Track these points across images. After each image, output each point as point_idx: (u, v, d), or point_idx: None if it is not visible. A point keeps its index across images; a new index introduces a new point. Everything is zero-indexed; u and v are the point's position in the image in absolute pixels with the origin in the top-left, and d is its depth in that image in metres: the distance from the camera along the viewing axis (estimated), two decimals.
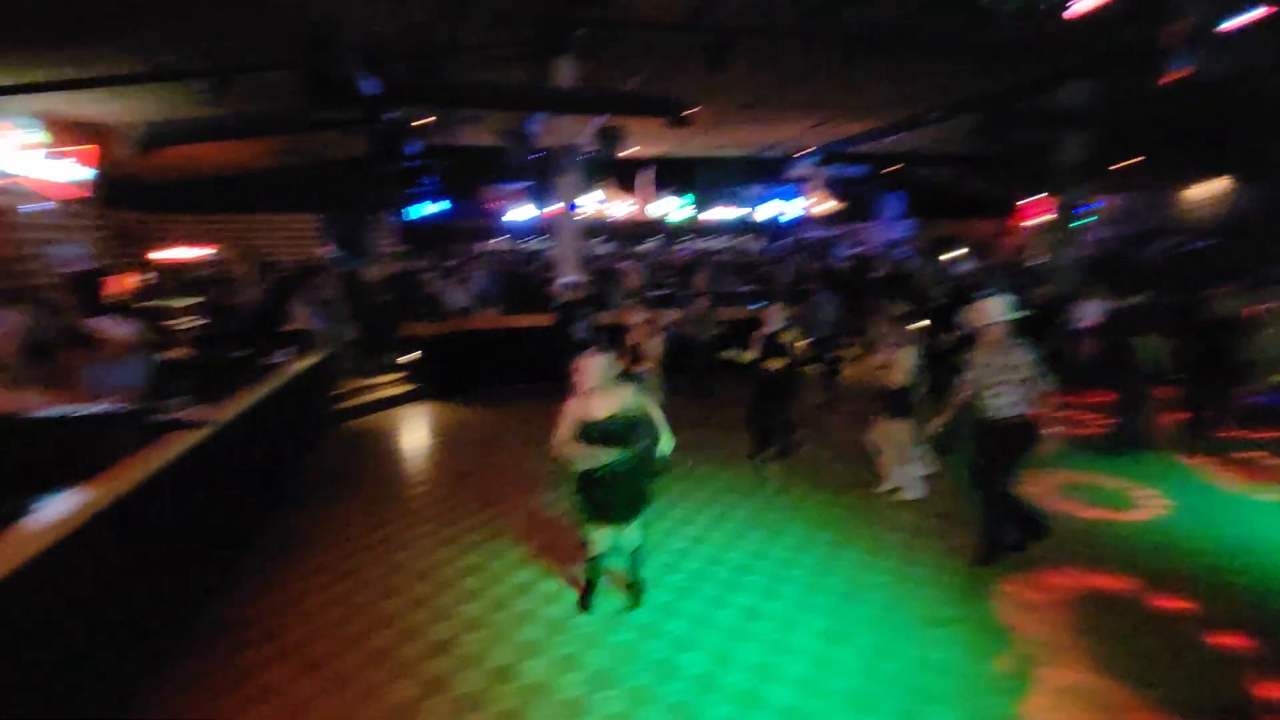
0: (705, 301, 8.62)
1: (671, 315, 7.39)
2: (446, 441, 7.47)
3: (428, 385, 9.20)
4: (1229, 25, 6.01)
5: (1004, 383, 4.12)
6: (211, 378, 5.01)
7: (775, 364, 5.93)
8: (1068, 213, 11.19)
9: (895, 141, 13.46)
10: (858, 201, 19.44)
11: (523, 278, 12.42)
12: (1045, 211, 13.91)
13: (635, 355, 6.20)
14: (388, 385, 9.35)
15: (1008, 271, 12.71)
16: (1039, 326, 7.46)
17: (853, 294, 9.64)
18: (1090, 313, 7.83)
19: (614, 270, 12.54)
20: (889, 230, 20.79)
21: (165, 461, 3.56)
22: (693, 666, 3.38)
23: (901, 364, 5.22)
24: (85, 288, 7.49)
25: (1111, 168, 12.25)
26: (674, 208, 18.58)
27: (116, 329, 4.54)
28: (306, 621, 3.83)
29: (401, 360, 9.59)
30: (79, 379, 4.54)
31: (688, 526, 5.00)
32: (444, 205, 15.98)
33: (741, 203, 19.56)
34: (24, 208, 8.32)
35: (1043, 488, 5.61)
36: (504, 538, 4.85)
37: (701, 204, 18.95)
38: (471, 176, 16.55)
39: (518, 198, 17.61)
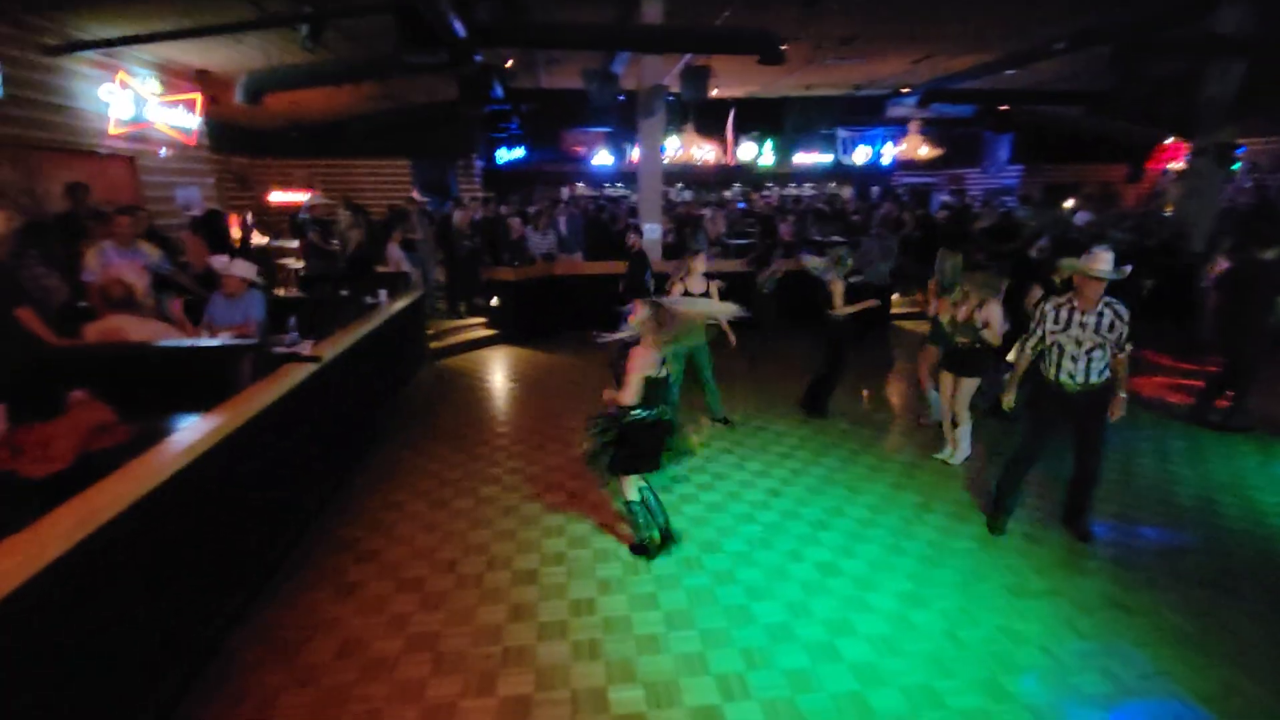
0: (773, 251, 8.43)
1: (704, 264, 7.06)
2: (529, 383, 7.71)
3: (510, 328, 9.48)
4: None
5: (1100, 346, 3.80)
6: (318, 315, 5.34)
7: (833, 310, 5.83)
8: (1211, 156, 9.97)
9: (1007, 78, 12.28)
10: (960, 145, 18.03)
11: (604, 224, 12.40)
12: (1181, 156, 12.47)
13: None
14: (472, 327, 9.71)
15: (1131, 224, 11.55)
16: (1154, 279, 6.77)
17: (946, 244, 9.07)
18: (1224, 267, 7.06)
19: (695, 217, 12.31)
20: (994, 176, 19.30)
21: (283, 391, 3.86)
22: (768, 615, 3.43)
23: (994, 321, 4.86)
24: (206, 229, 8.06)
25: None
26: (759, 153, 17.89)
27: (236, 268, 4.89)
28: (403, 545, 4.13)
29: (486, 303, 9.90)
30: (203, 314, 4.96)
31: (764, 479, 4.99)
32: (524, 151, 16.09)
33: (832, 147, 18.59)
34: (147, 153, 8.98)
35: (1149, 464, 5.24)
36: (585, 478, 4.99)
37: (789, 149, 18.13)
38: (555, 121, 16.51)
39: (601, 142, 17.47)
